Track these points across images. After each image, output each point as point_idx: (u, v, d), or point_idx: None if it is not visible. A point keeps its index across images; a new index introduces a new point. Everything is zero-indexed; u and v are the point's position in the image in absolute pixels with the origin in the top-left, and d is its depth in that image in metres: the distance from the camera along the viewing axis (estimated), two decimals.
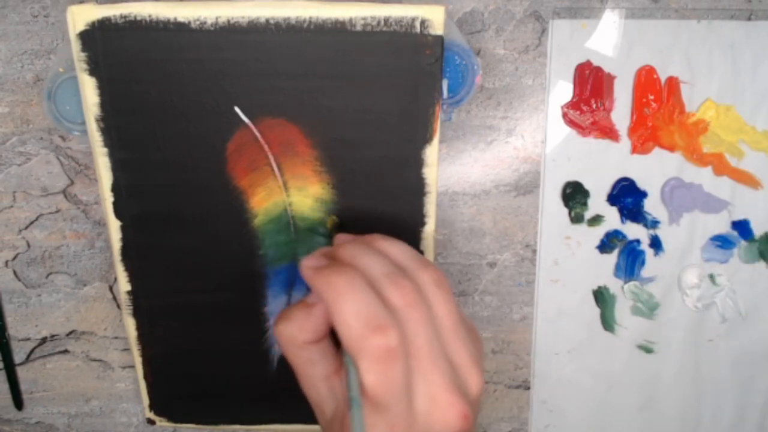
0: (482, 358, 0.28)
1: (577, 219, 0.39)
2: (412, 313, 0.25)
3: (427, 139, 0.34)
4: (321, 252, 0.29)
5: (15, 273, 0.40)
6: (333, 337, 0.28)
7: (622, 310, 0.40)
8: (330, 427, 0.28)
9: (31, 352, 0.41)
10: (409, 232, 0.36)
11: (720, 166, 0.38)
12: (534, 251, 0.39)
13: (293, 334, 0.27)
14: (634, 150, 0.38)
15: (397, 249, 0.28)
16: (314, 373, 0.28)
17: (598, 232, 0.39)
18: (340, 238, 0.31)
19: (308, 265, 0.28)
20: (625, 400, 0.42)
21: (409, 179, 0.35)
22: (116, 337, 0.41)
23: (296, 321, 0.27)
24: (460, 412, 0.24)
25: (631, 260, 0.39)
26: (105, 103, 0.34)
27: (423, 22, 0.32)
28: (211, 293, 0.38)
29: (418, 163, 0.35)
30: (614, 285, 0.40)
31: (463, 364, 0.26)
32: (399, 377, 0.24)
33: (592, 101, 0.37)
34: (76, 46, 0.32)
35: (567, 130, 0.38)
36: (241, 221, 0.36)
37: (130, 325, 0.38)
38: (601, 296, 0.40)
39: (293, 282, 0.37)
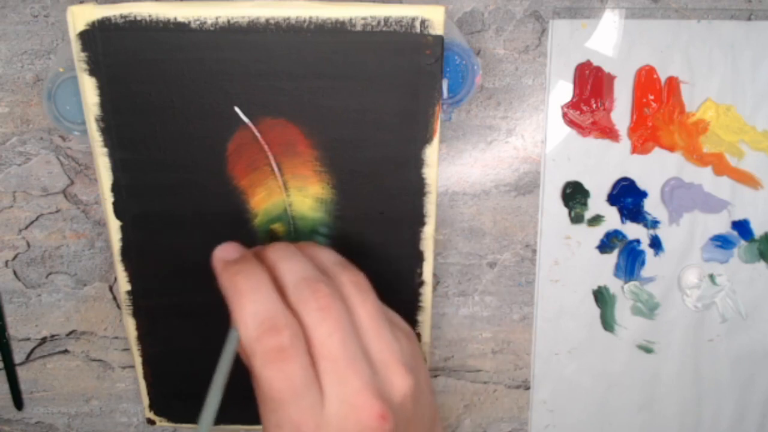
0: (416, 358, 0.28)
1: (577, 219, 0.39)
2: (327, 315, 0.25)
3: (427, 139, 0.34)
4: (250, 251, 0.29)
5: (15, 273, 0.40)
6: None
7: (622, 310, 0.40)
8: None
9: (31, 352, 0.41)
10: (409, 232, 0.36)
11: (720, 166, 0.38)
12: (534, 251, 0.39)
13: None
14: (634, 150, 0.38)
15: (323, 254, 0.29)
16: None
17: (598, 232, 0.39)
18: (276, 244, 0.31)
19: (219, 256, 0.28)
20: (625, 400, 0.42)
21: (409, 179, 0.35)
22: (116, 337, 0.41)
23: None
24: (377, 412, 0.24)
25: (631, 260, 0.39)
26: (105, 103, 0.34)
27: (423, 22, 0.32)
28: (211, 293, 0.37)
29: (418, 163, 0.35)
30: (614, 285, 0.40)
31: (386, 364, 0.26)
32: (297, 376, 0.24)
33: (592, 101, 0.37)
34: (76, 46, 0.32)
35: (567, 130, 0.38)
36: (241, 221, 0.36)
37: (130, 325, 0.38)
38: (601, 296, 0.40)
39: None
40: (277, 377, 0.24)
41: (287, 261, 0.27)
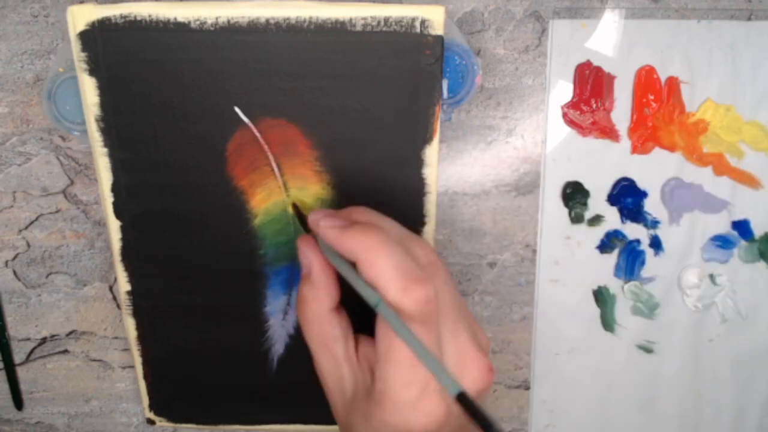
0: None
1: (577, 219, 0.39)
2: (437, 270, 0.25)
3: (427, 139, 0.34)
4: (333, 213, 0.28)
5: (15, 273, 0.40)
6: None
7: (622, 310, 0.40)
8: (351, 407, 0.27)
9: (31, 352, 0.41)
10: None
11: (720, 166, 0.38)
12: (534, 251, 0.39)
13: (321, 301, 0.27)
14: (634, 150, 0.38)
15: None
16: (338, 352, 0.28)
17: (598, 232, 0.39)
18: (318, 212, 0.29)
19: (330, 225, 0.27)
20: (625, 399, 0.42)
21: (409, 179, 0.35)
22: (116, 337, 0.41)
23: (321, 286, 0.27)
24: (486, 366, 0.25)
25: (631, 260, 0.39)
26: (105, 103, 0.34)
27: (423, 22, 0.32)
28: (211, 293, 0.38)
29: (418, 163, 0.35)
30: (614, 285, 0.40)
31: (474, 323, 0.27)
32: (436, 332, 0.24)
33: (592, 101, 0.37)
34: (76, 46, 0.32)
35: (567, 130, 0.38)
36: (241, 221, 0.36)
37: (130, 325, 0.38)
38: (601, 296, 0.40)
39: (293, 282, 0.37)
40: (426, 330, 0.24)
41: (381, 220, 0.27)
